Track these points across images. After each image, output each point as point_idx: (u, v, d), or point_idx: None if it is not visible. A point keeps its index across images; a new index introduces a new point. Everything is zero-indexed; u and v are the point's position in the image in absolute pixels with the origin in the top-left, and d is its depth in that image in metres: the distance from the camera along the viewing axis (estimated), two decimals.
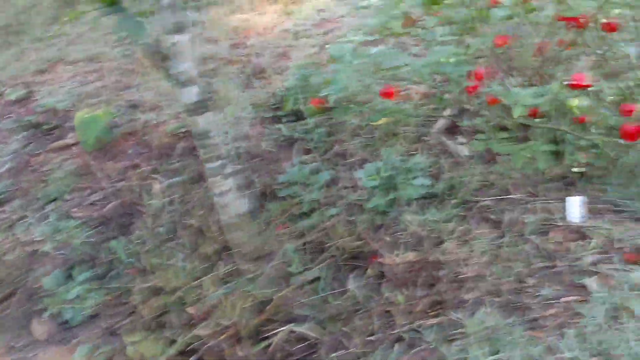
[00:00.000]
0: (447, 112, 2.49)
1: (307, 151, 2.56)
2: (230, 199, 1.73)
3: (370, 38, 2.12)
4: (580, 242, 1.86)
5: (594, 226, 1.88)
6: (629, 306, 1.57)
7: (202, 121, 1.74)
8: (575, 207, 1.93)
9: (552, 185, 2.12)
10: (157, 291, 1.97)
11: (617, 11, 1.75)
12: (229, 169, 1.77)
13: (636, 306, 1.56)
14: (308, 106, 1.69)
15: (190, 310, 1.80)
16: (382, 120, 2.33)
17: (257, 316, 1.78)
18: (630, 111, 1.52)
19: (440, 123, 2.46)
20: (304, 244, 2.15)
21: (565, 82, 1.52)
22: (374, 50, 1.73)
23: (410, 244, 2.03)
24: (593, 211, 1.98)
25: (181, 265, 1.99)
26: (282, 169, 2.51)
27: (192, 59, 1.66)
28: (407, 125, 2.43)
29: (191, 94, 1.73)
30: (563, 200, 2.03)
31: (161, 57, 1.60)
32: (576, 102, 1.52)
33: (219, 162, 1.77)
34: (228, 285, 1.90)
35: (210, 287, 1.92)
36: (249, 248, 1.86)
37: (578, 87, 1.49)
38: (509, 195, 2.11)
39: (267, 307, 1.78)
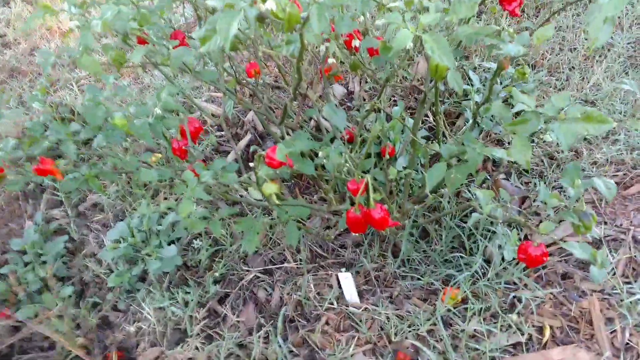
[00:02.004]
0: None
1: (60, 203, 2.08)
2: None
3: None
4: (353, 334, 1.50)
5: (373, 309, 1.52)
6: None
7: None
8: (348, 285, 1.56)
9: (338, 246, 1.75)
10: None
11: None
12: None
13: None
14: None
15: None
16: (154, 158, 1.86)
17: None
18: (356, 190, 1.14)
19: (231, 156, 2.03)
20: (15, 344, 1.69)
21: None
22: None
23: (150, 341, 1.61)
24: (380, 283, 1.63)
25: None
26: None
27: None
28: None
29: None
30: (346, 270, 1.67)
31: None
32: (273, 188, 1.12)
33: None
34: None
35: None
36: None
37: (273, 166, 1.09)
38: (284, 263, 1.72)
39: None
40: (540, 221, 1.66)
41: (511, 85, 1.96)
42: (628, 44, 2.21)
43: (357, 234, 1.70)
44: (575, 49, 2.25)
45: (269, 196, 1.12)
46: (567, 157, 1.81)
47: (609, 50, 2.20)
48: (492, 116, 1.80)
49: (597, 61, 2.16)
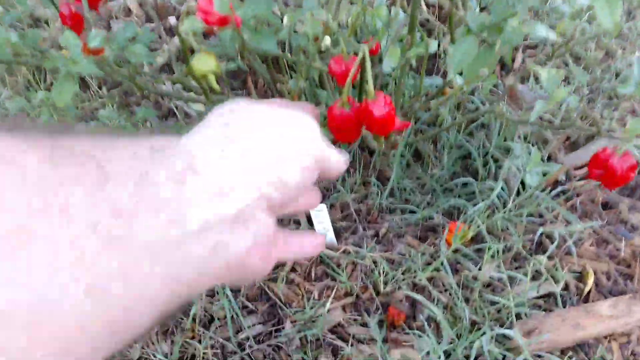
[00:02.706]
0: None
1: None
2: None
3: None
4: (328, 284, 1.13)
5: (355, 251, 1.15)
6: None
7: None
8: (322, 220, 1.18)
9: None
10: None
11: None
12: None
13: None
14: None
15: None
16: None
17: None
18: (342, 74, 0.73)
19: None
20: None
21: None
22: None
23: None
24: (363, 218, 1.25)
25: None
26: None
27: None
28: None
29: None
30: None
31: None
32: (210, 64, 0.69)
33: None
34: None
35: None
36: None
37: (208, 22, 0.66)
38: None
39: None
40: (570, 138, 1.30)
41: None
42: None
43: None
44: None
45: (202, 77, 0.70)
46: (594, 57, 1.44)
47: None
48: None
49: None
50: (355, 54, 1.03)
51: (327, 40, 0.84)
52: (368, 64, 0.71)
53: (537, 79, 1.42)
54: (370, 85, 0.70)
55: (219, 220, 0.29)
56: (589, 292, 1.02)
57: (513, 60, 1.45)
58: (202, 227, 0.28)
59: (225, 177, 0.30)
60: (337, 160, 0.39)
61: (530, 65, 0.80)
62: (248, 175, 0.31)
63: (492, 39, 0.92)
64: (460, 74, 0.97)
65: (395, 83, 1.26)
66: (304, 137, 0.35)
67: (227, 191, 0.29)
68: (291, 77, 1.47)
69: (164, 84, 1.01)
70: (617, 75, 1.40)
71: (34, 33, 0.70)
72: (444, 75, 1.50)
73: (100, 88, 1.38)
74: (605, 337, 0.97)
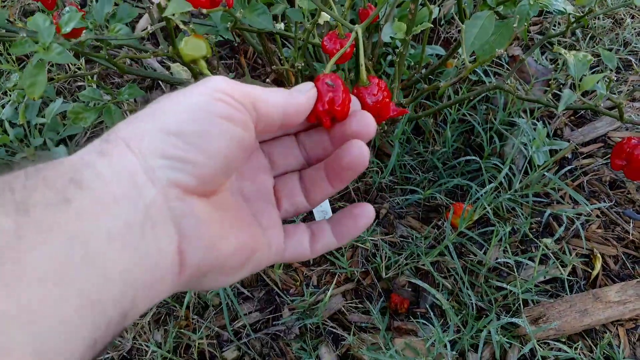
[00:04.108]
0: None
1: None
2: None
3: None
4: (328, 269, 1.10)
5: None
6: None
7: None
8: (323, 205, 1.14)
9: None
10: None
11: None
12: None
13: None
14: None
15: None
16: None
17: None
18: (336, 52, 0.68)
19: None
20: None
21: None
22: None
23: None
24: (362, 198, 1.22)
25: None
26: None
27: None
28: None
29: None
30: None
31: None
32: (201, 48, 0.63)
33: None
34: None
35: None
36: None
37: (197, 2, 0.60)
38: None
39: None
40: (577, 113, 1.27)
41: None
42: None
43: None
44: None
45: (191, 62, 0.64)
46: (603, 25, 1.39)
47: None
48: None
49: None
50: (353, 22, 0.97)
51: (326, 15, 0.78)
52: (362, 47, 0.64)
53: (543, 51, 1.37)
54: (362, 71, 0.62)
55: (125, 228, 0.26)
56: (596, 277, 1.01)
57: (528, 33, 1.40)
58: (109, 241, 0.25)
59: (115, 181, 0.26)
60: (274, 100, 0.33)
61: (555, 48, 0.75)
62: (140, 173, 0.27)
63: (506, 13, 0.87)
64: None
65: (397, 55, 1.21)
66: (203, 96, 0.30)
67: (124, 193, 0.26)
68: (284, 46, 1.41)
69: (150, 56, 0.94)
70: (625, 44, 1.36)
71: (1, 13, 0.63)
72: (445, 43, 1.45)
73: (78, 59, 1.30)
74: (612, 323, 0.97)
